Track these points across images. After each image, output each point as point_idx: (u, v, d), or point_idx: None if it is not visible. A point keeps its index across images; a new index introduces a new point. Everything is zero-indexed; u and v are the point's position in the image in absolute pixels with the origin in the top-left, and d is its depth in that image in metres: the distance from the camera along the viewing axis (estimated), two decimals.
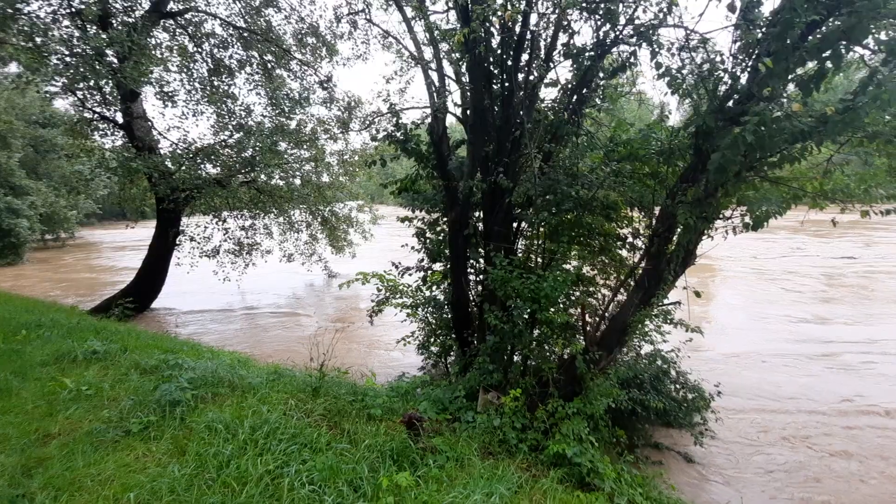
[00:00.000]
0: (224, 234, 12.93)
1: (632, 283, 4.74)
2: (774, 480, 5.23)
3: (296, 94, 10.73)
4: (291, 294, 14.93)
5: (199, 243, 12.61)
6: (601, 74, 5.08)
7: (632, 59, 4.74)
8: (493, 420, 4.30)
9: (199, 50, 10.82)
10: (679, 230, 4.21)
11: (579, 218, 5.32)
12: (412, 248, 6.56)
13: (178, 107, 9.89)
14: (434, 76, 4.96)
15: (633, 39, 4.42)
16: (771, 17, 3.20)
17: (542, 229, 5.49)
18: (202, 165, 10.71)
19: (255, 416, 3.43)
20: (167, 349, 5.90)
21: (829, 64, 3.11)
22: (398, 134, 5.18)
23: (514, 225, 5.75)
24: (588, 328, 4.89)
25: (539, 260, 5.84)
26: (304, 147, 11.46)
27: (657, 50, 3.75)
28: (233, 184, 11.29)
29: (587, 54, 4.85)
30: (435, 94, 4.94)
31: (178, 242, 12.14)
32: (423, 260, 6.54)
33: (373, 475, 2.81)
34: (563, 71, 5.24)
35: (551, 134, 5.21)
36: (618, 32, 4.66)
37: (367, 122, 6.17)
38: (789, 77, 3.50)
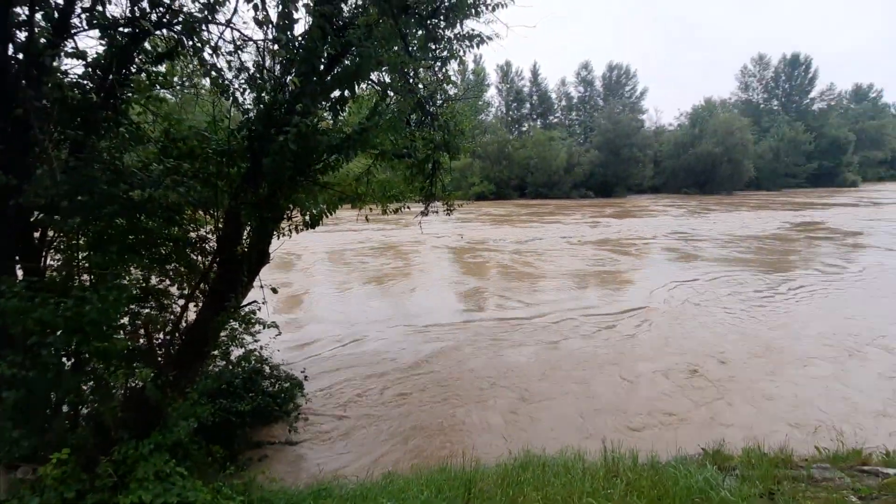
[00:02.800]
0: None
1: (205, 290, 4.47)
2: (361, 429, 6.29)
3: None
4: None
5: None
6: (142, 57, 4.45)
7: (179, 49, 4.38)
8: None
9: None
10: (248, 231, 4.28)
11: (135, 223, 4.55)
12: None
13: None
14: None
15: (179, 28, 4.08)
16: (301, 41, 3.64)
17: (82, 239, 4.37)
18: None
19: None
20: None
21: (347, 93, 3.86)
22: None
23: (38, 234, 4.31)
24: (159, 348, 4.28)
25: (89, 277, 4.63)
26: None
27: (199, 46, 3.59)
28: None
29: (121, 30, 4.14)
30: None
31: None
32: None
33: None
34: (96, 43, 4.28)
35: (81, 118, 4.16)
36: (160, 14, 4.19)
37: None
38: (323, 97, 4.14)
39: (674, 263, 17.59)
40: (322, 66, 4.15)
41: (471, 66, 66.86)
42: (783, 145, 67.85)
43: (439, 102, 6.90)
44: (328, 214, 4.23)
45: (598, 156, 58.00)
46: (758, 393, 7.12)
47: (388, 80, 5.30)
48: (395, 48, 4.19)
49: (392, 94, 4.65)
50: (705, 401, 6.96)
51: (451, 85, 6.46)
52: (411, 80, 5.62)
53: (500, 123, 66.90)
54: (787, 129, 69.38)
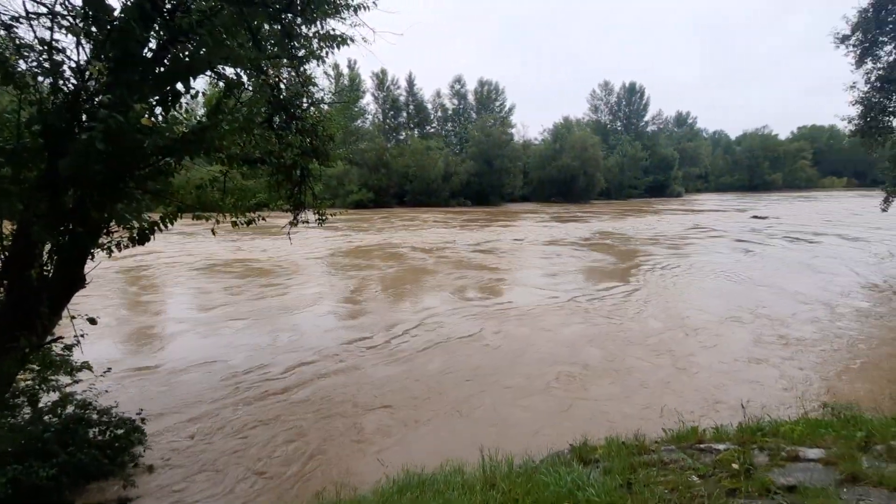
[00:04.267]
0: None
1: None
2: (219, 472, 5.48)
3: None
4: None
5: None
6: None
7: None
8: None
9: None
10: (49, 250, 3.43)
11: None
12: None
13: None
14: None
15: None
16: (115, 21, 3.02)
17: None
18: None
19: None
20: None
21: (180, 87, 3.31)
22: None
23: None
24: None
25: None
26: None
27: None
28: None
29: None
30: None
31: None
32: None
33: None
34: None
35: None
36: None
37: None
38: (152, 91, 3.50)
39: (628, 256, 20.46)
40: (150, 54, 3.53)
41: (345, 70, 65.90)
42: (626, 161, 78.54)
43: (305, 105, 6.46)
44: (161, 228, 3.58)
45: (473, 166, 60.89)
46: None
47: (242, 76, 4.76)
48: (243, 42, 3.73)
49: (242, 91, 4.14)
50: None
51: (315, 87, 6.06)
52: (271, 79, 5.13)
53: (377, 131, 66.75)
54: (629, 147, 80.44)
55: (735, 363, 8.48)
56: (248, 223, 4.14)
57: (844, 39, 17.59)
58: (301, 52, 4.52)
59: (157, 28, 3.25)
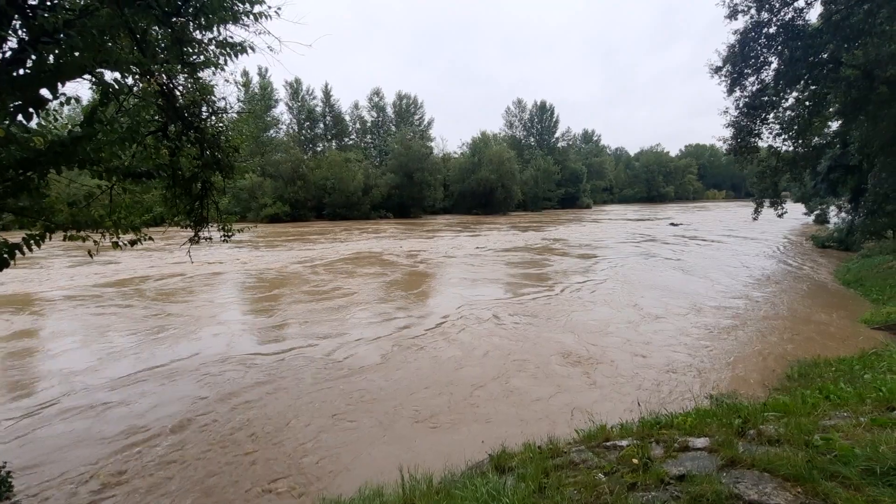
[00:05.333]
0: None
1: None
2: None
3: None
4: None
5: None
6: None
7: None
8: None
9: None
10: None
11: None
12: None
13: None
14: None
15: None
16: None
17: None
18: None
19: None
20: None
21: (45, 92, 2.93)
22: None
23: None
24: None
25: None
26: None
27: None
28: None
29: None
30: None
31: None
32: None
33: None
34: None
35: None
36: None
37: None
38: (12, 96, 3.06)
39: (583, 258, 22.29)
40: (8, 54, 3.10)
41: (255, 78, 63.12)
42: (540, 174, 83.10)
43: (204, 114, 6.05)
44: (24, 252, 3.11)
45: (393, 178, 60.81)
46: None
47: (128, 81, 4.32)
48: (125, 45, 3.39)
49: (128, 97, 3.75)
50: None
51: (216, 95, 5.69)
52: (157, 86, 4.73)
53: (293, 142, 64.42)
54: (542, 161, 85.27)
55: (668, 351, 9.36)
56: (133, 244, 3.73)
57: (717, 70, 20.10)
58: (197, 59, 4.21)
59: (15, 26, 2.85)
